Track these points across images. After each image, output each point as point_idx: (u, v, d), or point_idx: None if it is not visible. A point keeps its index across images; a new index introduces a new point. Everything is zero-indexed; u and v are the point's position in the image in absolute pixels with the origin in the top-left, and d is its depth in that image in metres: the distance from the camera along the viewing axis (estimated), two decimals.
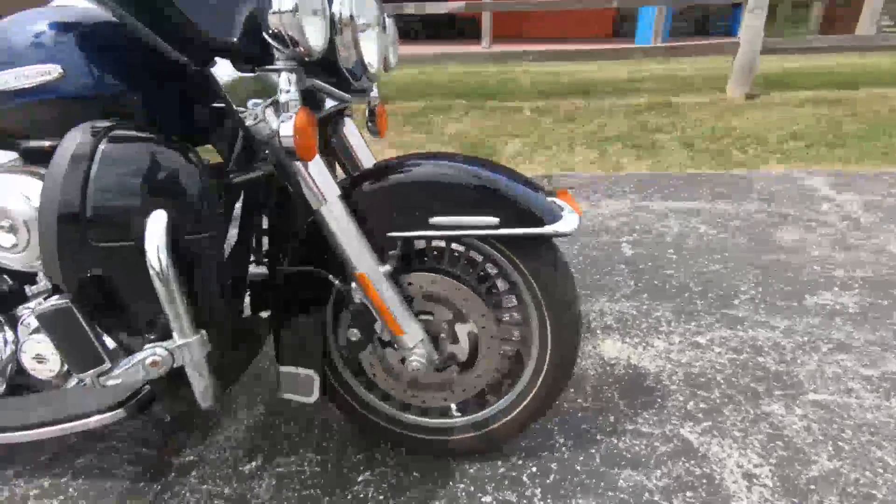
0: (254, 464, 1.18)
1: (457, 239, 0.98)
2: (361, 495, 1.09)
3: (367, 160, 1.12)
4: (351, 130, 1.12)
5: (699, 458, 1.15)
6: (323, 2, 0.77)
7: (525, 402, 1.08)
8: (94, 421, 0.87)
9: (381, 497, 1.09)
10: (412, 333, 0.97)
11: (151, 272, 0.74)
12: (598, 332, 1.60)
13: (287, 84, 0.77)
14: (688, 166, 3.14)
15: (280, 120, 0.76)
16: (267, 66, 0.79)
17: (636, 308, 1.72)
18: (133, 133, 0.77)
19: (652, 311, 1.70)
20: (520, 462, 1.15)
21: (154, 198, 0.75)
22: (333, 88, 0.88)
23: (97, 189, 0.74)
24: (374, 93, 1.09)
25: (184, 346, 0.79)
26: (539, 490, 1.09)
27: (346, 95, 0.91)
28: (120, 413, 0.87)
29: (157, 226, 0.74)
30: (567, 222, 0.90)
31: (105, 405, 0.86)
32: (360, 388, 1.14)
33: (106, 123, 0.77)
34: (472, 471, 1.13)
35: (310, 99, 0.84)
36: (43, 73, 0.78)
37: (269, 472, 1.16)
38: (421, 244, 1.06)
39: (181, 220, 0.76)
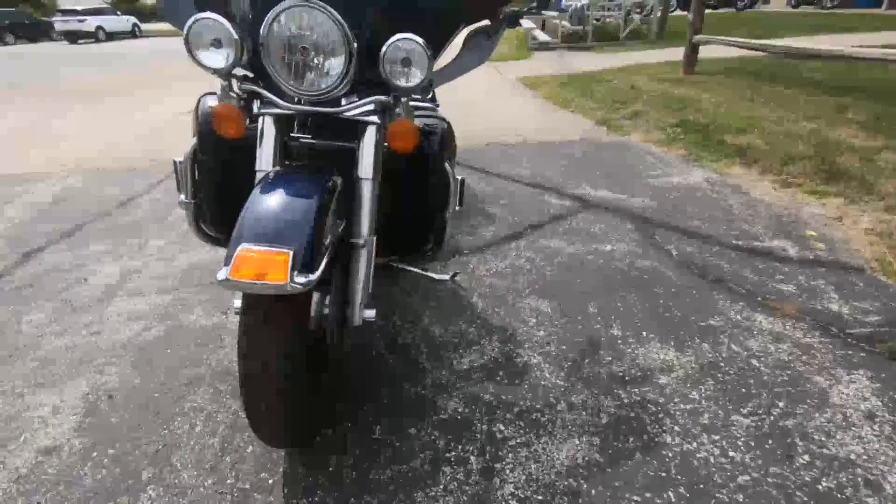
0: None
1: None
2: None
3: (362, 168, 1.17)
4: (367, 136, 1.16)
5: None
6: (227, 34, 1.01)
7: None
8: None
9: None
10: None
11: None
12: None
13: (220, 88, 1.10)
14: None
15: None
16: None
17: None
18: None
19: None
20: None
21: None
22: (270, 95, 1.12)
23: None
24: (400, 109, 1.11)
25: None
26: None
27: (276, 99, 1.12)
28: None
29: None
30: (221, 274, 0.93)
31: None
32: None
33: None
34: None
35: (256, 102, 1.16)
36: None
37: None
38: None
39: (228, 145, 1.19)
